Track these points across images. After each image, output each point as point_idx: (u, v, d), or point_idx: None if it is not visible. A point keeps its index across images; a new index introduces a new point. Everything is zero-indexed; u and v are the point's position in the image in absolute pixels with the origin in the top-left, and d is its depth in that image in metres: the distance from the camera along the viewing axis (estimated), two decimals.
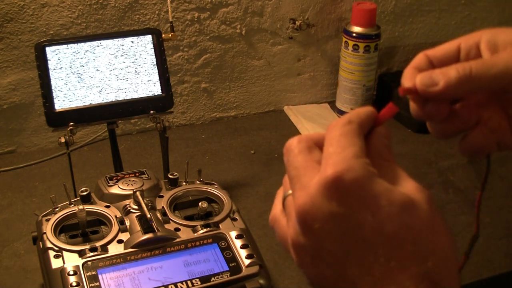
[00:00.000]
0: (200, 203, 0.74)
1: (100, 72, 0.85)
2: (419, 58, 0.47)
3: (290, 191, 0.40)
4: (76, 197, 0.80)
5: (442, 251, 0.36)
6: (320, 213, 0.36)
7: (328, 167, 0.36)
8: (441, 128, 0.47)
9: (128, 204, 0.75)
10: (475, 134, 0.46)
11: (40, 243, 0.70)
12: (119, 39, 0.86)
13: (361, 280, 0.36)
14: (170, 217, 0.74)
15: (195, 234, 0.72)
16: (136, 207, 0.74)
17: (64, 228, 0.73)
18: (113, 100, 0.86)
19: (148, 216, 0.70)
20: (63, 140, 0.83)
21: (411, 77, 0.45)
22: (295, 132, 1.24)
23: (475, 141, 0.46)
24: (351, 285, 0.37)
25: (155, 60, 0.88)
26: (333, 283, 0.38)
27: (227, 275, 0.68)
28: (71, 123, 0.83)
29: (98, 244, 0.69)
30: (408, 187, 0.38)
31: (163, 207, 0.75)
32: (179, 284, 0.66)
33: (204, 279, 0.67)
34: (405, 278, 0.35)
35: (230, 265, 0.69)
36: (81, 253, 0.68)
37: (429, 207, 0.37)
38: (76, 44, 0.85)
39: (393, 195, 0.36)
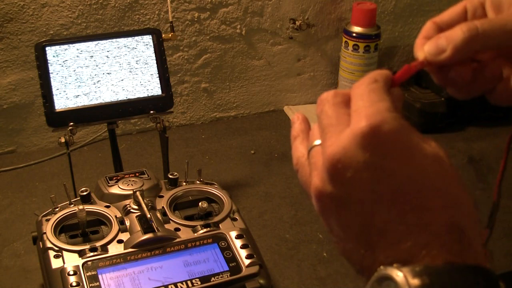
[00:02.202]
0: (200, 203, 0.74)
1: (100, 72, 0.85)
2: (428, 27, 0.47)
3: (317, 142, 0.40)
4: (76, 197, 0.80)
5: (467, 203, 0.37)
6: (353, 162, 0.36)
7: (363, 118, 0.37)
8: (466, 89, 0.47)
9: (128, 204, 0.75)
10: (501, 90, 0.46)
11: (40, 243, 0.70)
12: (119, 39, 0.86)
13: (393, 229, 0.36)
14: (170, 217, 0.74)
15: (195, 234, 0.72)
16: (136, 207, 0.74)
17: (64, 228, 0.73)
18: (113, 100, 0.86)
19: (148, 216, 0.70)
20: (63, 140, 0.83)
21: (421, 48, 0.44)
22: None
23: (503, 96, 0.46)
24: (378, 234, 0.37)
25: (155, 60, 0.88)
26: (357, 232, 0.37)
27: (227, 275, 0.68)
28: (71, 123, 0.83)
29: (98, 244, 0.69)
30: (431, 143, 0.38)
31: (163, 207, 0.75)
32: (179, 284, 0.66)
33: (204, 279, 0.67)
34: (437, 226, 0.36)
35: (230, 265, 0.69)
36: (81, 253, 0.68)
37: (450, 162, 0.38)
38: (76, 44, 0.85)
39: (425, 147, 0.37)
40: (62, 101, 0.83)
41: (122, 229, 0.72)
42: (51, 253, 0.68)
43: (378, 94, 0.39)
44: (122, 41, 0.86)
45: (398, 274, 0.34)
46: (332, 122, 0.39)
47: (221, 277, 0.67)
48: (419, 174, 0.36)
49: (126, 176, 0.79)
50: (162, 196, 0.78)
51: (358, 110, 0.38)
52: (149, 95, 0.87)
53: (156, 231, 0.70)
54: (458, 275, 0.34)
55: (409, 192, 0.36)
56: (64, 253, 0.68)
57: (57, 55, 0.83)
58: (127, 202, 0.75)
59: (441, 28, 0.46)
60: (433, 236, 0.35)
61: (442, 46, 0.43)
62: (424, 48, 0.44)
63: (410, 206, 0.36)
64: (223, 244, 0.71)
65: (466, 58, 0.44)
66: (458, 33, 0.42)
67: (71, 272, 0.65)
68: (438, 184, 0.37)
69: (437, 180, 0.37)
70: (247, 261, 0.69)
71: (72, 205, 0.75)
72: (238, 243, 0.71)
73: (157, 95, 0.88)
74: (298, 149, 0.43)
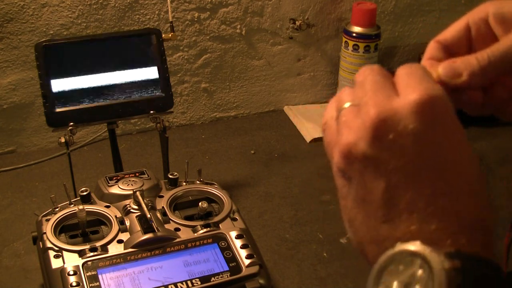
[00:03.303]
0: (200, 203, 0.74)
1: (100, 72, 0.85)
2: (432, 48, 0.47)
3: (347, 104, 0.40)
4: (76, 197, 0.80)
5: (488, 201, 0.38)
6: (400, 126, 0.36)
7: (418, 90, 0.36)
8: (477, 109, 0.47)
9: (128, 204, 0.75)
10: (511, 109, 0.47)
11: (40, 243, 0.70)
12: (119, 39, 0.86)
13: (421, 207, 0.35)
14: (170, 217, 0.74)
15: (195, 234, 0.72)
16: (136, 207, 0.74)
17: (64, 228, 0.73)
18: (113, 100, 0.86)
19: (148, 216, 0.70)
20: (63, 140, 0.83)
21: (432, 69, 0.44)
22: (295, 132, 1.24)
23: None
24: (404, 209, 0.36)
25: (155, 60, 0.88)
26: (378, 200, 0.36)
27: (227, 275, 0.68)
28: (71, 123, 0.83)
29: (98, 244, 0.69)
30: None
31: (163, 207, 0.75)
32: (179, 284, 0.66)
33: (204, 279, 0.67)
34: (467, 216, 0.36)
35: (230, 265, 0.69)
36: (81, 253, 0.68)
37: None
38: (76, 44, 0.85)
39: (465, 132, 0.37)
40: (62, 101, 0.83)
41: (122, 229, 0.72)
42: (51, 253, 0.68)
43: (426, 75, 0.39)
44: (122, 41, 0.86)
45: (431, 253, 0.33)
46: (379, 87, 0.38)
47: (221, 277, 0.67)
48: (461, 156, 0.36)
49: (126, 176, 0.79)
50: (162, 196, 0.78)
51: (410, 84, 0.37)
52: (149, 95, 0.87)
53: (156, 231, 0.70)
54: (487, 268, 0.33)
55: (450, 172, 0.35)
56: (64, 253, 0.68)
57: (57, 55, 0.83)
58: (127, 202, 0.75)
59: (446, 47, 0.47)
60: (461, 227, 0.35)
61: (459, 70, 0.43)
62: (439, 69, 0.44)
63: (447, 188, 0.35)
64: (223, 244, 0.71)
65: (482, 84, 0.45)
66: (474, 61, 0.43)
67: (71, 272, 0.65)
68: (474, 172, 0.36)
69: (473, 168, 0.36)
70: (247, 261, 0.69)
71: (72, 205, 0.75)
72: (238, 243, 0.71)
73: (157, 95, 0.88)
74: (329, 111, 0.42)
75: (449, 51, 0.47)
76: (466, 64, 0.43)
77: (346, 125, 0.38)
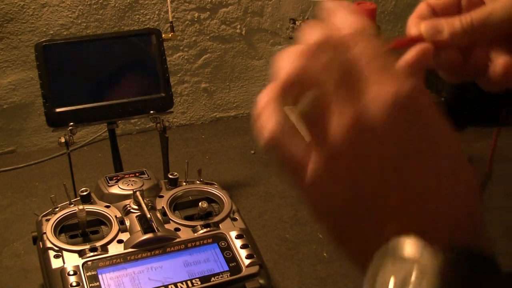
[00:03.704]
0: (200, 203, 0.74)
1: (100, 72, 0.85)
2: (422, 7, 0.48)
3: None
4: (76, 197, 0.80)
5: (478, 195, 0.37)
6: (417, 105, 0.32)
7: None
8: (456, 73, 0.48)
9: (128, 204, 0.75)
10: (490, 76, 0.47)
11: (40, 243, 0.70)
12: (119, 39, 0.86)
13: (428, 176, 0.33)
14: (170, 217, 0.74)
15: (195, 234, 0.72)
16: (136, 207, 0.74)
17: (64, 228, 0.72)
18: (113, 100, 0.86)
19: (148, 216, 0.70)
20: (63, 140, 0.83)
21: (416, 26, 0.45)
22: None
23: (490, 82, 0.47)
24: (403, 197, 0.33)
25: (155, 60, 0.88)
26: (376, 184, 0.33)
27: (227, 275, 0.67)
28: (71, 123, 0.83)
29: (98, 244, 0.69)
30: None
31: (163, 207, 0.75)
32: (179, 284, 0.66)
33: (204, 279, 0.67)
34: (460, 210, 0.35)
35: (230, 265, 0.69)
36: (81, 253, 0.67)
37: None
38: (76, 44, 0.84)
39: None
40: (62, 101, 0.83)
41: (122, 229, 0.71)
42: (51, 253, 0.68)
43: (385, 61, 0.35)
44: (122, 41, 0.86)
45: (424, 247, 0.31)
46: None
47: (221, 277, 0.67)
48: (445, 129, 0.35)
49: (126, 176, 0.79)
50: (162, 196, 0.77)
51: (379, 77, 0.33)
52: (149, 95, 0.87)
53: (156, 231, 0.70)
54: (479, 260, 0.33)
55: (457, 163, 0.35)
56: (64, 253, 0.68)
57: (57, 55, 0.83)
58: (127, 202, 0.75)
59: (435, 11, 0.47)
60: (450, 220, 0.34)
61: (440, 28, 0.44)
62: (421, 26, 0.45)
63: (446, 152, 0.34)
64: (223, 244, 0.71)
65: (462, 45, 0.45)
66: (457, 23, 0.44)
67: (71, 272, 0.65)
68: (465, 165, 0.35)
69: (464, 161, 0.36)
70: (247, 261, 0.69)
71: (72, 205, 0.75)
72: (238, 243, 0.71)
73: (157, 95, 0.88)
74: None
75: (438, 15, 0.47)
76: (449, 24, 0.44)
77: (347, 104, 0.33)
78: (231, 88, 1.26)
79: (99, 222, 0.74)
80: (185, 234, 0.72)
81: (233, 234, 0.72)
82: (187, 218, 0.75)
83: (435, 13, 0.47)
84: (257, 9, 1.20)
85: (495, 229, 0.95)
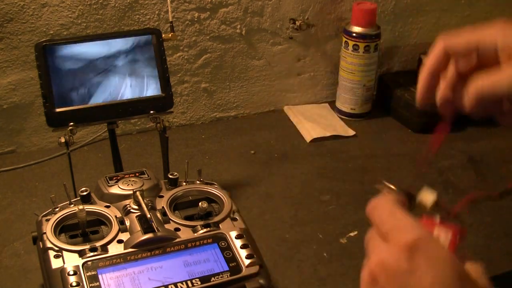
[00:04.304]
0: (200, 203, 0.74)
1: (100, 72, 0.85)
2: (438, 52, 0.51)
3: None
4: (76, 197, 0.80)
5: None
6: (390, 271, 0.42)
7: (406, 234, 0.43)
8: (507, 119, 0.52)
9: (128, 204, 0.75)
10: None
11: (40, 243, 0.70)
12: (119, 39, 0.86)
13: None
14: (170, 217, 0.74)
15: (195, 234, 0.72)
16: (136, 207, 0.74)
17: (64, 228, 0.72)
18: (113, 100, 0.86)
19: (148, 216, 0.70)
20: (63, 140, 0.83)
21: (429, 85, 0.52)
22: (295, 132, 1.24)
23: None
24: None
25: (155, 60, 0.88)
26: None
27: (227, 275, 0.68)
28: (71, 123, 0.83)
29: (98, 244, 0.69)
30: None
31: (163, 207, 0.75)
32: (179, 284, 0.66)
33: (204, 279, 0.67)
34: None
35: (230, 265, 0.69)
36: (81, 253, 0.67)
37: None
38: (76, 44, 0.85)
39: (457, 263, 0.41)
40: (62, 101, 0.83)
41: (122, 229, 0.72)
42: (51, 253, 0.68)
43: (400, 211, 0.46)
44: (122, 41, 0.86)
45: None
46: (371, 238, 0.46)
47: (221, 277, 0.67)
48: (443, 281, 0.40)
49: (126, 176, 0.79)
50: (162, 196, 0.77)
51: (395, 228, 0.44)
52: (149, 95, 0.87)
53: (156, 231, 0.70)
54: None
55: None
56: (64, 253, 0.68)
57: (57, 55, 0.83)
58: (127, 202, 0.75)
59: (448, 55, 0.50)
60: None
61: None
62: (478, 82, 0.48)
63: None
64: (223, 244, 0.71)
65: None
66: (472, 91, 0.48)
67: (71, 272, 0.65)
68: None
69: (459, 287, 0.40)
70: (247, 261, 0.69)
71: (72, 205, 0.75)
72: (238, 243, 0.71)
73: (157, 95, 0.88)
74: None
75: (450, 57, 0.51)
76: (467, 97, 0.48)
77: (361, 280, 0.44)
78: (231, 88, 1.26)
79: (99, 222, 0.74)
80: (185, 234, 0.72)
81: (233, 234, 0.72)
82: (187, 218, 0.75)
83: (448, 57, 0.51)
84: (257, 9, 1.20)
85: (495, 229, 0.95)
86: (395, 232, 0.43)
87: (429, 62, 0.51)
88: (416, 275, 0.40)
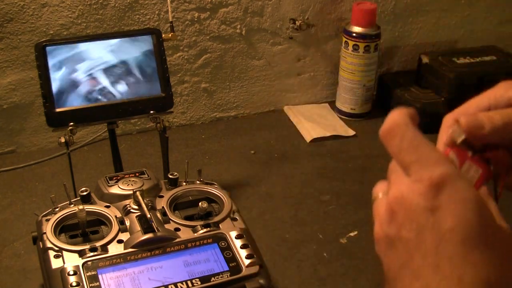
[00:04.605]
0: (200, 203, 0.74)
1: (100, 72, 0.85)
2: (448, 125, 0.48)
3: (381, 193, 0.43)
4: (76, 197, 0.80)
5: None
6: (412, 206, 0.39)
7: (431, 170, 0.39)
8: None
9: (128, 204, 0.75)
10: None
11: (40, 243, 0.70)
12: (119, 39, 0.86)
13: (425, 274, 0.38)
14: (170, 217, 0.74)
15: (195, 234, 0.72)
16: (136, 207, 0.74)
17: (64, 228, 0.72)
18: (113, 100, 0.86)
19: (148, 216, 0.70)
20: (63, 140, 0.83)
21: (446, 133, 0.47)
22: (295, 132, 1.24)
23: None
24: (412, 277, 0.38)
25: (155, 60, 0.88)
26: (395, 273, 0.40)
27: (227, 275, 0.67)
28: (71, 123, 0.83)
29: (98, 244, 0.69)
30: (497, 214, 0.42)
31: (163, 207, 0.75)
32: (179, 284, 0.66)
33: (204, 279, 0.67)
34: (473, 281, 0.37)
35: (230, 265, 0.69)
36: (81, 253, 0.67)
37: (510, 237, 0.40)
38: (76, 44, 0.85)
39: (483, 206, 0.39)
40: (62, 101, 0.83)
41: (122, 229, 0.72)
42: (51, 253, 0.68)
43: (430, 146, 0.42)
44: (122, 41, 0.86)
45: None
46: (394, 170, 0.42)
47: (221, 277, 0.67)
48: (463, 225, 0.37)
49: (126, 176, 0.79)
50: (162, 196, 0.77)
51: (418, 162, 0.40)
52: (149, 95, 0.87)
53: (156, 231, 0.70)
54: None
55: (451, 241, 0.37)
56: (64, 253, 0.68)
57: (57, 55, 0.83)
58: (127, 202, 0.75)
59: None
60: None
61: (481, 122, 0.44)
62: (461, 119, 0.45)
63: (447, 256, 0.37)
64: (223, 244, 0.71)
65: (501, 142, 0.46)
66: (497, 117, 0.44)
67: (71, 272, 0.65)
68: (481, 237, 0.37)
69: (481, 234, 0.37)
70: (247, 261, 0.69)
71: (72, 205, 0.75)
72: (238, 243, 0.71)
73: (157, 95, 0.88)
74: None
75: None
76: (489, 118, 0.44)
77: (375, 215, 0.42)
78: (231, 88, 1.26)
79: (99, 222, 0.74)
80: (185, 234, 0.72)
81: (233, 234, 0.72)
82: (187, 218, 0.75)
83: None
84: (257, 9, 1.20)
85: None
86: (419, 166, 0.39)
87: (441, 132, 0.48)
88: (437, 215, 0.37)
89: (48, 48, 0.82)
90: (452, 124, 0.46)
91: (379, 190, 0.44)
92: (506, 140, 0.46)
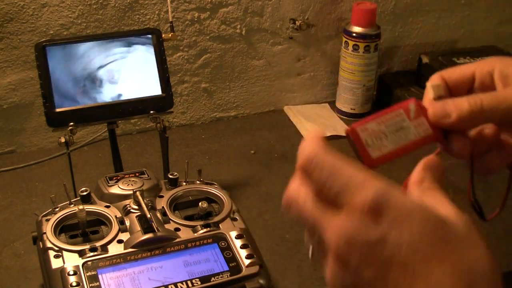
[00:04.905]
0: (200, 203, 0.74)
1: (100, 72, 0.85)
2: (434, 79, 0.48)
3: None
4: (76, 197, 0.80)
5: (481, 266, 0.35)
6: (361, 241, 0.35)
7: (364, 191, 0.35)
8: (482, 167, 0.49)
9: (128, 204, 0.75)
10: (491, 157, 0.49)
11: (40, 243, 0.70)
12: (119, 39, 0.86)
13: None
14: (170, 217, 0.74)
15: (195, 234, 0.72)
16: (136, 207, 0.74)
17: (64, 228, 0.73)
18: (113, 100, 0.86)
19: (148, 216, 0.70)
20: (63, 140, 0.83)
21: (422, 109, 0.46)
22: (295, 132, 1.24)
23: (491, 164, 0.49)
24: None
25: (155, 60, 0.88)
26: None
27: (227, 275, 0.68)
28: (71, 123, 0.83)
29: (98, 244, 0.69)
30: (448, 209, 0.38)
31: (163, 207, 0.75)
32: (179, 284, 0.66)
33: (204, 279, 0.67)
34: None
35: (230, 265, 0.69)
36: (81, 253, 0.68)
37: (465, 226, 0.36)
38: (76, 44, 0.85)
39: (427, 212, 0.36)
40: (62, 101, 0.83)
41: (122, 229, 0.72)
42: (51, 253, 0.68)
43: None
44: (122, 41, 0.86)
45: None
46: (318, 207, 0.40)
47: (221, 277, 0.67)
48: (421, 241, 0.34)
49: (126, 176, 0.79)
50: (162, 196, 0.78)
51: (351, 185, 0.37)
52: (149, 95, 0.87)
53: (156, 231, 0.70)
54: None
55: (412, 262, 0.34)
56: (64, 253, 0.68)
57: (57, 55, 0.83)
58: (127, 202, 0.75)
59: (447, 85, 0.48)
60: None
61: (449, 111, 0.44)
62: (430, 107, 0.45)
63: (414, 272, 0.34)
64: (223, 244, 0.71)
65: (469, 128, 0.46)
66: (465, 104, 0.44)
67: (71, 272, 0.65)
68: (441, 249, 0.34)
69: (440, 245, 0.34)
70: (247, 261, 0.69)
71: (72, 205, 0.75)
72: (238, 243, 0.71)
73: (157, 95, 0.88)
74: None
75: (449, 89, 0.48)
76: (457, 106, 0.44)
77: (325, 274, 0.38)
78: (231, 88, 1.26)
79: (99, 222, 0.74)
80: (185, 234, 0.72)
81: (233, 234, 0.72)
82: (187, 218, 0.75)
83: (446, 87, 0.48)
84: (257, 9, 1.20)
85: (495, 229, 0.95)
86: (348, 193, 0.35)
87: (428, 85, 0.48)
88: (389, 243, 0.34)
89: (48, 48, 0.82)
90: (433, 81, 0.47)
91: (308, 243, 0.40)
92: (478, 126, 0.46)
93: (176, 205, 0.78)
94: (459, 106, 0.44)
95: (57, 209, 0.74)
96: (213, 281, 0.67)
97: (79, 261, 0.66)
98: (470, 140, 0.46)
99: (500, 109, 0.44)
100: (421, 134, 0.45)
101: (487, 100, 0.44)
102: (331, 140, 1.21)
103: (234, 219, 0.75)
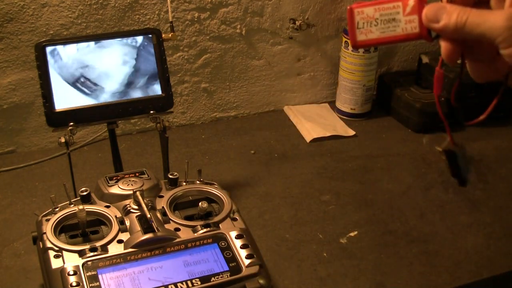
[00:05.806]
0: (200, 203, 0.74)
1: (100, 72, 0.85)
2: None
3: None
4: (76, 197, 0.80)
5: None
6: None
7: None
8: (480, 74, 0.50)
9: (128, 204, 0.75)
10: (484, 67, 0.50)
11: (40, 243, 0.70)
12: (119, 39, 0.86)
13: None
14: (170, 217, 0.74)
15: (195, 234, 0.72)
16: (136, 207, 0.74)
17: (64, 228, 0.72)
18: (113, 100, 0.86)
19: (148, 216, 0.70)
20: (63, 140, 0.83)
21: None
22: (295, 132, 1.24)
23: (484, 72, 0.50)
24: None
25: (155, 60, 0.88)
26: None
27: (227, 275, 0.68)
28: (71, 123, 0.83)
29: (98, 244, 0.69)
30: None
31: (163, 207, 0.75)
32: (179, 284, 0.66)
33: (204, 279, 0.67)
34: None
35: (230, 265, 0.69)
36: (81, 253, 0.67)
37: None
38: (76, 44, 0.85)
39: None
40: (62, 101, 0.83)
41: (122, 229, 0.72)
42: (51, 253, 0.68)
43: None
44: (122, 41, 0.86)
45: None
46: None
47: (221, 277, 0.67)
48: None
49: (126, 176, 0.79)
50: (162, 196, 0.78)
51: None
52: (149, 95, 0.87)
53: (156, 231, 0.70)
54: None
55: None
56: (64, 253, 0.68)
57: (57, 55, 0.83)
58: (127, 202, 0.75)
59: None
60: None
61: (439, 17, 0.45)
62: (425, 7, 0.45)
63: None
64: (223, 244, 0.71)
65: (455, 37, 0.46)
66: (454, 15, 0.44)
67: (71, 272, 0.65)
68: None
69: None
70: (247, 261, 0.69)
71: (72, 205, 0.75)
72: (238, 243, 0.71)
73: (157, 95, 0.88)
74: None
75: None
76: (448, 13, 0.45)
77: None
78: (231, 88, 1.26)
79: (99, 222, 0.74)
80: (185, 234, 0.72)
81: (233, 234, 0.72)
82: (187, 218, 0.75)
83: None
84: (257, 9, 1.20)
85: (495, 229, 0.95)
86: None
87: None
88: None
89: (48, 48, 0.82)
90: None
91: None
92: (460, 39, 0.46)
93: (176, 205, 0.78)
94: (449, 14, 0.44)
95: (57, 209, 0.74)
96: (213, 281, 0.67)
97: (79, 261, 0.66)
98: (456, 47, 0.46)
99: (477, 31, 0.44)
100: (408, 31, 0.46)
101: (472, 17, 0.44)
102: (331, 140, 1.21)
103: (234, 219, 0.75)
